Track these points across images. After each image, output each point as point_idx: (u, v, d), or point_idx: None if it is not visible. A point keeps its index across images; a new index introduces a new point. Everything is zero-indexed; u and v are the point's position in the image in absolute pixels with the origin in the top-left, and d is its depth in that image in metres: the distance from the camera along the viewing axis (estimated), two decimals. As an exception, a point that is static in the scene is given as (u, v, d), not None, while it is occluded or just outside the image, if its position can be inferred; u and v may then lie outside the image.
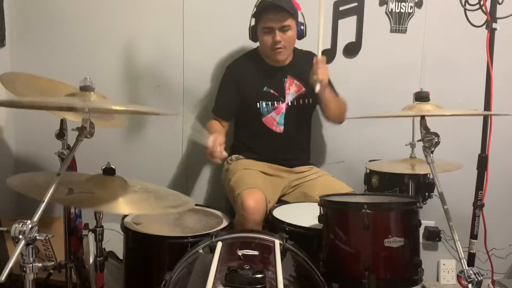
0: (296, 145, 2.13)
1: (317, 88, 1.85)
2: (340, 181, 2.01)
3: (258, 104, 2.03)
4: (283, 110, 2.05)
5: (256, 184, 1.82)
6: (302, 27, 2.00)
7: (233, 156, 2.10)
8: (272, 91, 2.04)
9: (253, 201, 1.72)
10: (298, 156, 2.14)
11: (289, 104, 2.05)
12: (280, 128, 2.06)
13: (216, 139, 1.72)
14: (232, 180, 1.93)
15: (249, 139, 2.11)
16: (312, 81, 1.87)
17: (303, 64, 2.06)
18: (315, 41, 1.89)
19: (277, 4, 1.87)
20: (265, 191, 1.80)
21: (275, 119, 2.05)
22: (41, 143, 2.19)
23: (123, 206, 1.19)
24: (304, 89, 2.07)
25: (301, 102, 2.07)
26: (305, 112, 2.13)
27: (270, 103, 2.04)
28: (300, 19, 2.00)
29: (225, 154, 1.72)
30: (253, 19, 2.00)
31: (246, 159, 2.08)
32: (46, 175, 1.10)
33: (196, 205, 1.97)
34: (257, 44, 2.09)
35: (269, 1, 1.89)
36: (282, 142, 2.08)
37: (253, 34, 2.03)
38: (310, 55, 2.11)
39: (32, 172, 1.31)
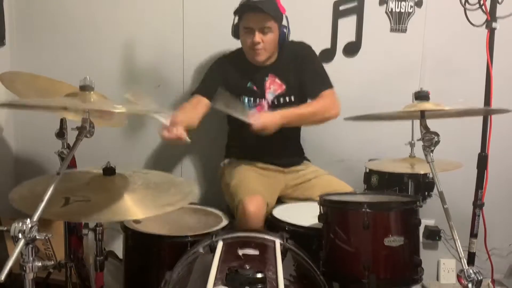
0: (283, 144, 2.07)
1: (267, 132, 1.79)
2: (341, 181, 2.00)
3: (241, 98, 2.01)
4: (266, 109, 2.02)
5: (257, 189, 1.81)
6: (285, 30, 1.96)
7: (225, 161, 2.12)
8: (255, 87, 2.03)
9: (255, 207, 1.71)
10: (288, 155, 2.11)
11: (270, 103, 2.03)
12: None
13: (174, 118, 1.64)
14: (231, 184, 1.92)
15: (237, 137, 2.11)
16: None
17: (287, 61, 2.03)
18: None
19: (257, 6, 1.83)
20: (265, 195, 1.80)
21: None
22: (41, 142, 2.18)
23: (121, 211, 1.18)
24: (284, 87, 2.03)
25: (281, 101, 2.03)
26: None
27: (252, 99, 2.02)
28: (284, 22, 1.95)
29: (183, 135, 1.63)
30: (236, 18, 1.98)
31: (238, 161, 2.06)
32: (46, 182, 1.09)
33: (196, 205, 1.97)
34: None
35: (252, 1, 1.85)
36: (267, 140, 1.95)
37: (235, 32, 2.00)
38: (298, 45, 2.06)
39: (31, 181, 1.29)
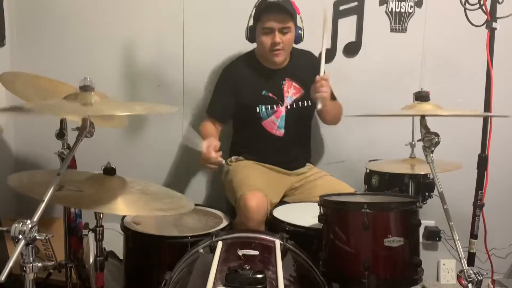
0: (296, 148, 2.11)
1: (319, 106, 1.84)
2: (342, 182, 2.00)
3: (257, 108, 2.02)
4: (283, 113, 2.03)
5: (259, 186, 1.81)
6: (300, 32, 1.98)
7: (233, 158, 2.10)
8: (271, 94, 2.03)
9: (255, 202, 1.71)
10: (298, 158, 2.13)
11: (289, 107, 2.04)
12: (280, 132, 2.04)
13: (210, 143, 1.71)
14: (234, 181, 1.92)
15: (249, 143, 2.09)
16: (313, 98, 1.87)
17: (301, 65, 2.05)
18: (315, 46, 1.87)
19: (280, 4, 1.86)
20: (268, 193, 1.80)
21: (275, 123, 2.04)
22: (41, 143, 2.18)
23: (110, 206, 1.19)
24: (303, 91, 2.05)
25: (300, 105, 2.05)
26: (305, 114, 2.11)
27: (269, 106, 2.02)
28: (299, 23, 1.98)
29: (221, 159, 1.70)
30: (251, 20, 1.98)
31: (246, 160, 2.07)
32: (45, 173, 1.10)
33: (196, 205, 1.97)
34: (253, 46, 2.07)
35: (272, 1, 1.87)
36: (282, 145, 2.06)
37: (251, 34, 2.00)
38: (308, 55, 2.11)
39: (31, 171, 1.31)
